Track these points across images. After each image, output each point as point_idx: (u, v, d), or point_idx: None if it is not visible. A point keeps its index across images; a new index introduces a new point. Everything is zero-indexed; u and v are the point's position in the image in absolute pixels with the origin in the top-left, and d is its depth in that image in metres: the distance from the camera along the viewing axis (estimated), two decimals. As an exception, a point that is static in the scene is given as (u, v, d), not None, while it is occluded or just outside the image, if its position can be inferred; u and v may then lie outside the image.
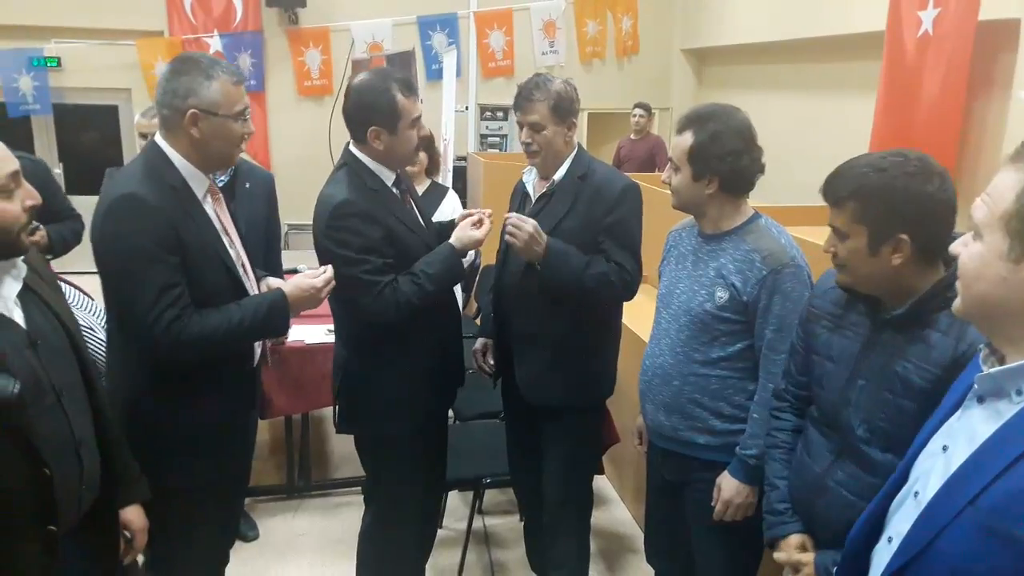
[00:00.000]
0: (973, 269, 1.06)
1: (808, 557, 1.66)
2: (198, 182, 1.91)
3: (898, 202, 1.46)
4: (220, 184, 2.97)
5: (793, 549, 1.70)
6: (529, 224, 2.21)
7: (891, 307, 1.54)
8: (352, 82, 2.23)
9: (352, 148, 2.25)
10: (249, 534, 3.24)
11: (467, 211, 2.40)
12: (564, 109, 2.31)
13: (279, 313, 1.96)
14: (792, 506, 1.75)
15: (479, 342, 2.69)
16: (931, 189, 1.45)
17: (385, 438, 2.34)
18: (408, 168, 2.79)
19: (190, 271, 1.83)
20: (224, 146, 1.91)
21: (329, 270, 2.03)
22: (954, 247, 1.11)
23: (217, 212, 1.97)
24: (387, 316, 2.14)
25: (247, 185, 3.07)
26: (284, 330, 2.01)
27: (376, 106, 2.14)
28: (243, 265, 2.01)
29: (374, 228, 2.13)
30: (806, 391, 1.78)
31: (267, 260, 3.10)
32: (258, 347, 2.18)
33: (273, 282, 2.14)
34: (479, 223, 2.29)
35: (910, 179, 1.46)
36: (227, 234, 1.99)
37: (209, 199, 1.95)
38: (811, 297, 1.78)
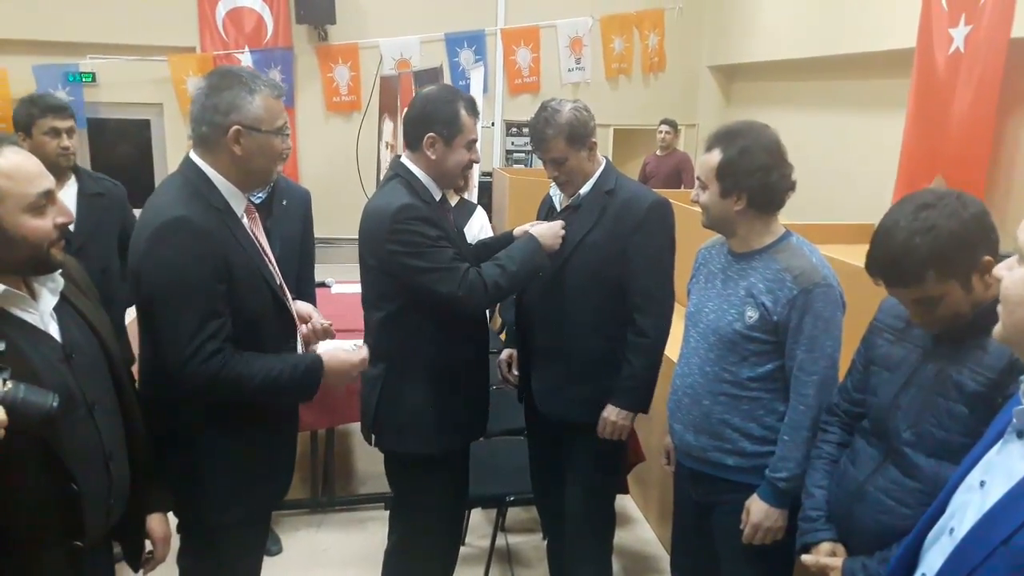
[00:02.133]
0: (1016, 295, 1.03)
1: (836, 562, 1.65)
2: (237, 201, 1.83)
3: (967, 238, 1.44)
4: (257, 201, 2.97)
5: (823, 554, 1.69)
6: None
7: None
8: (421, 90, 2.25)
9: (404, 159, 2.23)
10: (272, 548, 3.24)
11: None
12: (580, 135, 2.29)
13: (312, 378, 1.87)
14: (826, 514, 1.74)
15: (504, 353, 2.69)
16: (968, 215, 1.45)
17: (419, 457, 2.32)
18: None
19: (238, 295, 1.76)
20: (265, 163, 1.83)
21: (365, 349, 1.99)
22: (997, 270, 1.09)
23: (254, 232, 1.90)
24: (477, 298, 2.14)
25: (284, 203, 3.07)
26: (311, 397, 1.91)
27: (439, 114, 2.15)
28: (280, 285, 1.95)
29: (434, 230, 2.13)
30: (859, 408, 1.76)
31: (300, 277, 3.11)
32: None
33: (301, 306, 2.10)
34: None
35: (954, 216, 1.45)
36: (265, 254, 1.93)
37: (245, 218, 1.88)
38: (876, 312, 1.77)
